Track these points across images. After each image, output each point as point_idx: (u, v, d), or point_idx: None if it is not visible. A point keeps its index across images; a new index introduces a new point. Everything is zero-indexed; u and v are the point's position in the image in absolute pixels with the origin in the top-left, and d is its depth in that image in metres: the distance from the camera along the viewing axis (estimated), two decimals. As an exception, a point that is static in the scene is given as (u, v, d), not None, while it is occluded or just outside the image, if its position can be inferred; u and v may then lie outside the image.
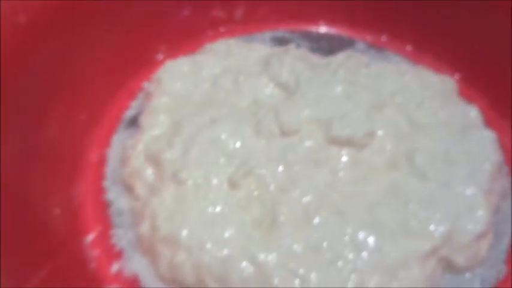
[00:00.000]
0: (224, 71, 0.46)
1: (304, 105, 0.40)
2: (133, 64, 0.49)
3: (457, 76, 0.51)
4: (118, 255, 0.36)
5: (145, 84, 0.47)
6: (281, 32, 0.55)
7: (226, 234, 0.33)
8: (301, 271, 0.32)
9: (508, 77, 0.46)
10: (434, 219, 0.34)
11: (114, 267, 0.36)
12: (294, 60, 0.45)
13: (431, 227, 0.34)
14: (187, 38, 0.53)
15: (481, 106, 0.46)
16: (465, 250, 0.34)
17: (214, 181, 0.36)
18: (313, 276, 0.32)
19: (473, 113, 0.44)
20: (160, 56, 0.51)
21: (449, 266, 0.34)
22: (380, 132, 0.39)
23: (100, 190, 0.40)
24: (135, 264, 0.36)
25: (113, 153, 0.43)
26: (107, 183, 0.41)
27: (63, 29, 0.40)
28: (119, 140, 0.43)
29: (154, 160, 0.38)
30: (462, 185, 0.36)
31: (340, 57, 0.47)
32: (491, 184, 0.38)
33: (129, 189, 0.39)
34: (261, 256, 0.32)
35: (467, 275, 0.35)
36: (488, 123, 0.46)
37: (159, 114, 0.42)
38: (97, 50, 0.45)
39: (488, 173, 0.38)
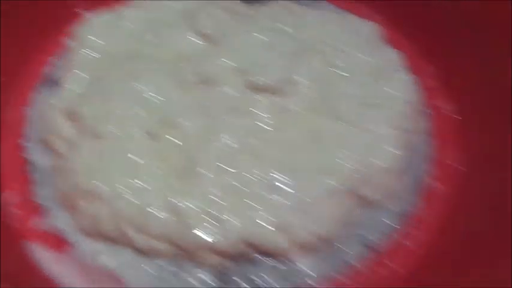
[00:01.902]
0: (147, 24, 0.45)
1: (224, 54, 0.40)
2: (53, 20, 0.47)
3: (386, 23, 0.52)
4: (40, 212, 0.36)
5: (66, 41, 0.45)
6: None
7: (146, 184, 0.34)
8: (220, 215, 0.33)
9: (435, 24, 0.47)
10: (346, 157, 0.36)
11: (36, 224, 0.36)
12: (219, 10, 0.45)
13: (342, 165, 0.35)
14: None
15: (409, 52, 0.48)
16: (376, 185, 0.36)
17: (134, 134, 0.36)
18: (232, 219, 0.33)
19: (394, 57, 0.45)
20: (80, 11, 0.49)
21: (361, 201, 0.36)
22: (301, 79, 0.40)
23: (20, 149, 0.39)
24: (57, 220, 0.36)
25: (33, 112, 0.42)
26: (26, 142, 0.40)
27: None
28: (38, 98, 0.42)
29: (74, 117, 0.38)
30: (375, 125, 0.38)
31: (267, 5, 0.47)
32: (406, 123, 0.40)
33: (49, 147, 0.38)
34: (180, 203, 0.33)
35: (380, 208, 0.37)
36: (413, 68, 0.48)
37: (79, 70, 0.41)
38: (11, 6, 0.43)
39: (401, 113, 0.39)
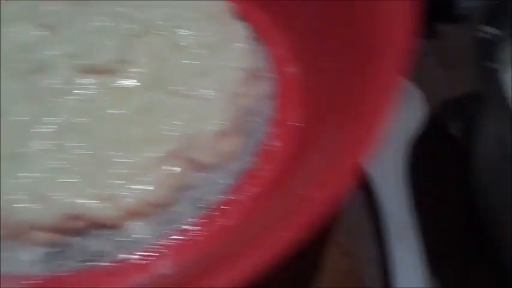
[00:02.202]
0: (-11, 21, 0.45)
1: (59, 42, 0.41)
2: None
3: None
4: None
5: None
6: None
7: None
8: (46, 193, 0.34)
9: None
10: (175, 126, 0.37)
11: None
12: (60, 1, 0.45)
13: (169, 133, 0.37)
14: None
15: (262, 25, 0.50)
16: (208, 149, 0.38)
17: (-40, 127, 0.37)
18: (58, 195, 0.34)
19: (239, 30, 0.47)
20: None
21: (194, 165, 0.38)
22: (136, 58, 0.41)
23: None
24: None
25: None
26: None
27: None
28: None
29: None
30: (206, 92, 0.40)
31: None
32: (242, 89, 0.42)
33: None
34: (5, 187, 0.34)
35: (216, 170, 0.39)
36: (266, 39, 0.50)
37: None
38: None
39: (236, 79, 0.41)
